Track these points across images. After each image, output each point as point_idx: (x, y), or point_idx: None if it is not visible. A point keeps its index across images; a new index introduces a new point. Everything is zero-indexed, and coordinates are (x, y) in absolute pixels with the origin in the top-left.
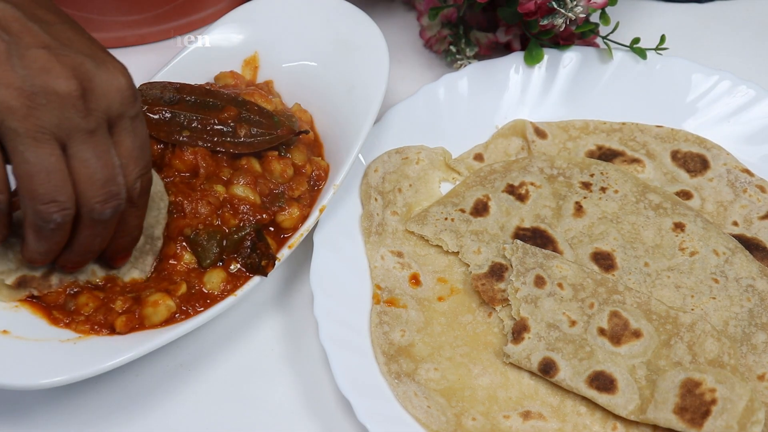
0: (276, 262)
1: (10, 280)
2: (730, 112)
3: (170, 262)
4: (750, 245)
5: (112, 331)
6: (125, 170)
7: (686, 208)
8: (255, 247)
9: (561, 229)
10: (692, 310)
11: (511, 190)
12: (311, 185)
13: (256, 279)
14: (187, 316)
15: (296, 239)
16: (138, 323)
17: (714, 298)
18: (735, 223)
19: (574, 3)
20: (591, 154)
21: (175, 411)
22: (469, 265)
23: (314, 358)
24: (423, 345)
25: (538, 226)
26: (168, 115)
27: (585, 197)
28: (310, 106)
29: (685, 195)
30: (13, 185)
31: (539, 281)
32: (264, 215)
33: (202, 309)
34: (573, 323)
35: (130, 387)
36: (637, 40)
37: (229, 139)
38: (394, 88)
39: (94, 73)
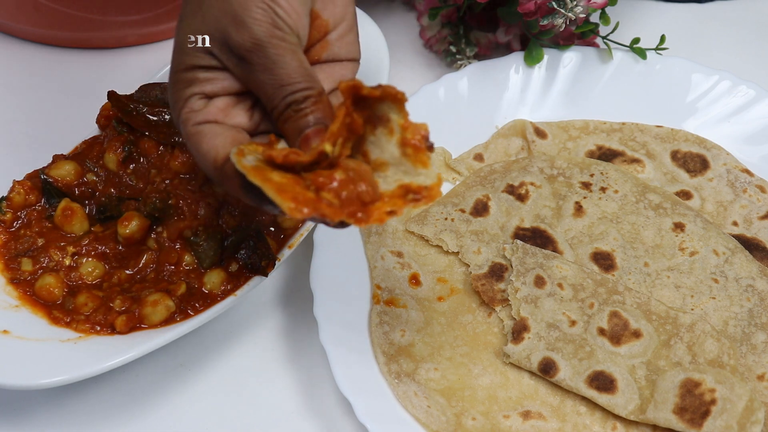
0: (276, 262)
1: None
2: (730, 112)
3: (170, 263)
4: (750, 245)
5: (113, 330)
6: None
7: (686, 208)
8: (255, 248)
9: (561, 229)
10: (692, 309)
11: (511, 190)
12: None
13: (256, 279)
14: (186, 316)
15: (296, 239)
16: (138, 323)
17: (714, 298)
18: (735, 223)
19: (574, 3)
20: (591, 154)
21: (175, 411)
22: (469, 265)
23: (314, 358)
24: (423, 345)
25: (538, 226)
26: (167, 116)
27: (585, 197)
28: None
29: (685, 195)
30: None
31: (539, 281)
32: (264, 216)
33: (202, 309)
34: (573, 323)
35: (130, 387)
36: (637, 40)
37: None
38: None
39: None
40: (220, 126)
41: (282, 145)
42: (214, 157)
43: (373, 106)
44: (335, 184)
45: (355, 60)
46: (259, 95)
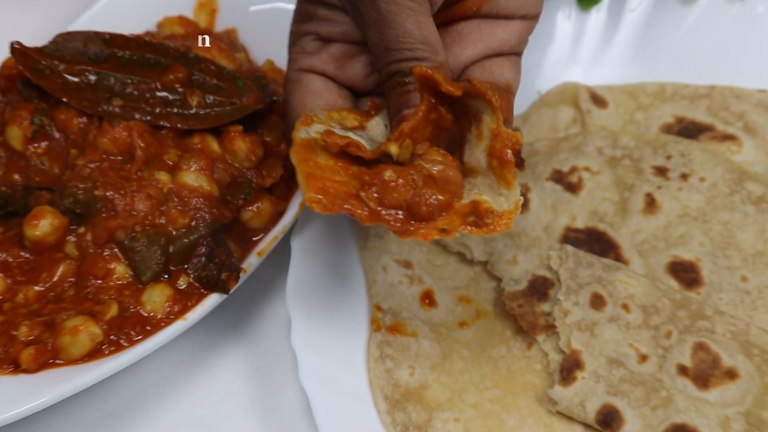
0: (240, 274)
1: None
2: None
3: (95, 276)
4: None
5: (16, 368)
6: None
7: None
8: (211, 255)
9: (626, 230)
10: None
11: (558, 177)
12: (288, 171)
13: (214, 297)
14: (119, 348)
15: (267, 244)
16: (51, 357)
17: None
18: None
19: None
20: (668, 129)
21: None
22: (501, 280)
23: (291, 405)
24: (439, 387)
25: (596, 226)
26: (93, 77)
27: (659, 187)
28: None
29: None
30: None
31: (597, 301)
32: (224, 211)
33: (139, 338)
34: (643, 359)
35: None
36: None
37: (176, 110)
38: None
39: None
40: (324, 82)
41: (382, 115)
42: (296, 117)
43: (466, 101)
44: (375, 188)
45: (528, 18)
46: (370, 53)
